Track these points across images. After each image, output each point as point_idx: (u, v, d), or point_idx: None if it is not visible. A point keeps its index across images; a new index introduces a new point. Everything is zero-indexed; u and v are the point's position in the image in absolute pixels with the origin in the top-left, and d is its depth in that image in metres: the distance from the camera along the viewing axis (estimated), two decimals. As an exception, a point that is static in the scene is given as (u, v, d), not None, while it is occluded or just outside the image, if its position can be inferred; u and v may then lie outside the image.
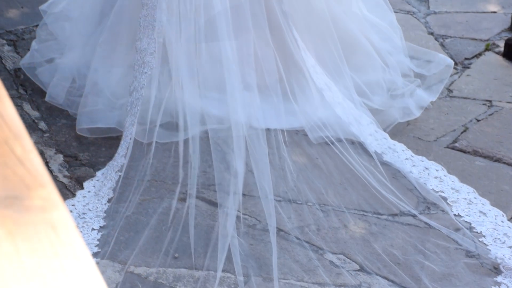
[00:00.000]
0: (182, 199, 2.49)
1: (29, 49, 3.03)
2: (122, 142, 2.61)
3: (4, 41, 3.17)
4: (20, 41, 3.19)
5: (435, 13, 3.69)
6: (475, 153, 2.78)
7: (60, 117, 2.79)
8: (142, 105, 2.66)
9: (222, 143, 2.67)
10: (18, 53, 3.10)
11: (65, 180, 2.57)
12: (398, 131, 2.85)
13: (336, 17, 2.94)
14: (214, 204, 2.48)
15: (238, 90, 2.71)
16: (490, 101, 3.06)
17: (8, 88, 2.85)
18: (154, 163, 2.59)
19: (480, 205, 2.57)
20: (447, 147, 2.81)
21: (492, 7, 3.72)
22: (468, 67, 3.26)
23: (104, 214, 2.45)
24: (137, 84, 2.69)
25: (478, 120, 2.95)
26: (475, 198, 2.59)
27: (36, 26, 3.23)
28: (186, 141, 2.62)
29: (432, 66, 3.13)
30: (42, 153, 2.61)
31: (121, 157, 2.58)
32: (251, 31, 2.76)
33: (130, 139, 2.60)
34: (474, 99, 3.06)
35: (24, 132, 0.80)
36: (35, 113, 2.77)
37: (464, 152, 2.79)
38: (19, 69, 2.98)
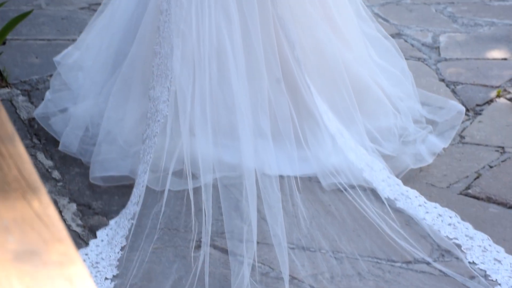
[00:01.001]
0: (196, 248, 2.48)
1: (43, 99, 3.06)
2: (134, 189, 2.62)
3: (19, 91, 3.20)
4: (34, 91, 3.23)
5: (446, 60, 3.71)
6: (489, 199, 2.77)
7: (74, 165, 2.81)
8: (155, 152, 2.67)
9: (235, 190, 2.67)
10: (32, 103, 3.13)
11: (78, 229, 2.57)
12: (410, 177, 2.84)
13: (347, 63, 2.96)
14: (227, 252, 2.47)
15: (251, 137, 2.72)
16: (503, 148, 3.05)
17: (22, 138, 2.88)
18: (167, 211, 2.59)
19: (494, 252, 2.55)
20: (460, 193, 2.80)
21: (502, 54, 3.74)
22: (480, 114, 3.26)
23: (117, 263, 2.44)
24: (150, 132, 2.71)
25: (491, 167, 2.94)
26: (489, 245, 2.57)
27: (50, 76, 3.27)
28: (198, 189, 2.62)
29: (444, 112, 3.14)
30: (55, 202, 2.62)
31: (133, 205, 2.59)
32: (264, 77, 2.78)
33: (143, 186, 2.61)
34: (486, 145, 3.05)
35: (41, 186, 0.81)
36: (48, 162, 2.79)
37: (478, 198, 2.77)
38: (33, 119, 3.01)
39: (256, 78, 2.78)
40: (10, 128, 0.84)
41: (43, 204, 0.77)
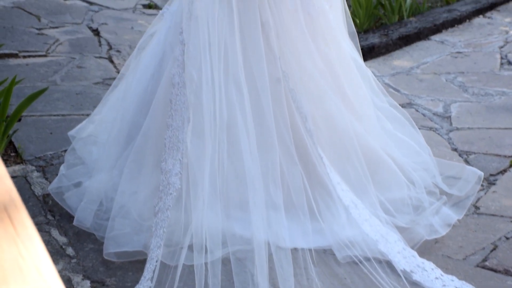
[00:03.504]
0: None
1: (57, 174, 3.07)
2: (147, 264, 2.60)
3: (33, 167, 3.22)
4: (48, 166, 3.24)
5: (457, 129, 3.72)
6: (506, 272, 2.73)
7: (88, 241, 2.80)
8: (168, 226, 2.66)
9: (249, 264, 2.65)
10: (46, 178, 3.15)
11: (92, 307, 2.55)
12: (425, 249, 2.81)
13: (358, 135, 2.97)
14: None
15: (263, 209, 2.71)
16: (518, 219, 3.03)
17: (37, 214, 2.88)
18: (180, 287, 2.57)
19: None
20: (477, 266, 2.76)
21: (514, 124, 3.75)
22: (494, 184, 3.25)
23: None
24: (162, 205, 2.71)
25: (507, 238, 2.91)
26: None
27: (65, 151, 3.29)
28: (212, 263, 2.60)
29: (462, 184, 3.12)
30: (69, 280, 2.60)
31: (147, 281, 2.56)
32: (276, 149, 2.79)
33: (157, 261, 2.59)
34: (501, 216, 3.03)
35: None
36: (62, 239, 2.78)
37: (495, 271, 2.73)
38: (48, 194, 3.01)
39: (268, 150, 2.79)
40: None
41: None
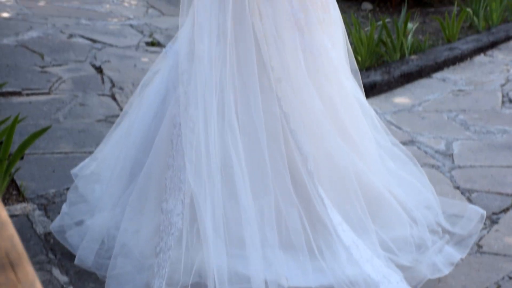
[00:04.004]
0: None
1: (59, 213, 3.06)
2: (150, 304, 2.59)
3: (35, 206, 3.21)
4: (50, 205, 3.24)
5: (459, 167, 3.71)
6: (510, 313, 2.71)
7: (89, 281, 2.78)
8: (171, 265, 2.65)
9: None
10: (48, 217, 3.14)
11: None
12: (429, 289, 2.80)
13: (360, 173, 2.96)
14: None
15: (260, 250, 2.70)
16: (522, 258, 3.01)
17: (38, 253, 2.87)
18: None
19: None
20: (481, 306, 2.74)
21: (516, 163, 3.74)
22: (497, 222, 3.23)
23: None
24: (164, 245, 2.70)
25: (511, 278, 2.88)
26: None
27: (67, 189, 3.28)
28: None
29: (465, 222, 3.11)
30: (70, 320, 2.59)
31: (149, 320, 2.55)
32: (271, 192, 2.78)
33: (159, 301, 2.58)
34: (504, 255, 3.01)
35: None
36: (64, 278, 2.77)
37: (499, 311, 2.72)
38: (49, 233, 3.00)
39: (262, 193, 2.78)
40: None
41: None
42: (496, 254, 3.02)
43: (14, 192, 3.30)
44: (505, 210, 3.32)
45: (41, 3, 6.05)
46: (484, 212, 3.14)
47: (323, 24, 2.91)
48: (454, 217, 3.15)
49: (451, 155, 3.82)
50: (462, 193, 3.47)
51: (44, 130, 3.31)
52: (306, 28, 2.87)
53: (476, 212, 3.15)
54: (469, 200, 3.42)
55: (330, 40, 2.96)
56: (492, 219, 3.25)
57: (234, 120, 2.78)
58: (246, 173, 2.75)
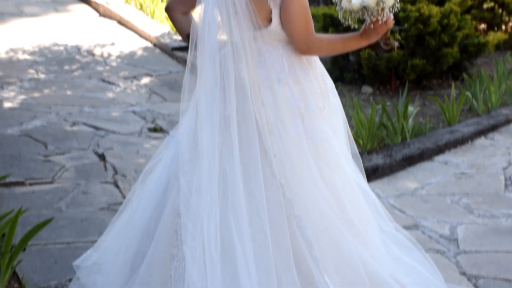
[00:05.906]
0: None
1: (61, 308, 3.03)
2: None
3: (37, 299, 3.18)
4: (52, 297, 3.21)
5: (465, 252, 3.68)
6: None
7: None
8: None
9: None
10: (50, 311, 3.11)
11: None
12: None
13: (364, 261, 2.94)
14: None
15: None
16: None
17: None
18: None
19: None
20: None
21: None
22: (505, 312, 3.19)
23: None
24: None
25: None
26: None
27: (69, 280, 3.25)
28: None
29: None
30: None
31: None
32: (274, 279, 2.76)
33: None
34: None
35: None
36: None
37: None
38: (51, 327, 2.97)
39: (265, 280, 2.76)
40: None
41: None
42: None
43: (16, 286, 3.27)
44: (513, 299, 3.28)
45: (46, 92, 6.12)
46: None
47: (323, 111, 2.94)
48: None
49: (456, 240, 3.79)
50: (469, 279, 3.43)
51: (46, 222, 3.31)
52: (306, 115, 2.89)
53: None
54: (476, 287, 3.37)
55: (331, 127, 2.98)
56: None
57: (238, 207, 2.78)
58: (251, 260, 2.74)
